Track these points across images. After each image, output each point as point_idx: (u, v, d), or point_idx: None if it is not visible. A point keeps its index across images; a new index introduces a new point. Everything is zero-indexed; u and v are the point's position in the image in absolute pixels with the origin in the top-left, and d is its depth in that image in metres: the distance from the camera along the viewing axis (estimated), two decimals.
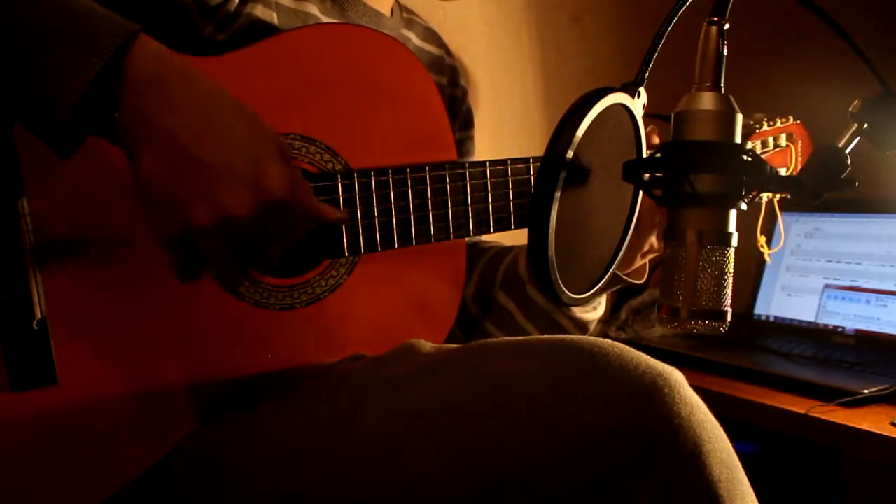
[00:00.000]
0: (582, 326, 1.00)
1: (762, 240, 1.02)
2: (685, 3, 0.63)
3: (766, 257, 1.02)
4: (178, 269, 0.65)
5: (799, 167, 1.09)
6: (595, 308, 1.01)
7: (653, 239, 0.94)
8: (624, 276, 0.95)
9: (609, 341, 0.66)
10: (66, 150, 0.61)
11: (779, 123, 1.06)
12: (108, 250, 0.72)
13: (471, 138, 1.13)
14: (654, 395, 0.61)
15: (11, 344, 0.69)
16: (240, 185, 0.62)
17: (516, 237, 0.98)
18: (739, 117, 0.60)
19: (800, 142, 1.08)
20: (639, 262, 0.97)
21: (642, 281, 0.98)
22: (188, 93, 0.62)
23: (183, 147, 0.61)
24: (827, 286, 1.57)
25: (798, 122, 1.08)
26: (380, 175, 0.81)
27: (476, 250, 1.08)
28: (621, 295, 1.69)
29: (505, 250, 1.05)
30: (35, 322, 0.69)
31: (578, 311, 0.99)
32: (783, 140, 1.07)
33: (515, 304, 1.00)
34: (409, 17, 1.05)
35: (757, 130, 1.03)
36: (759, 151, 1.04)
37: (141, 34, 0.61)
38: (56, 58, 0.58)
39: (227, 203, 0.61)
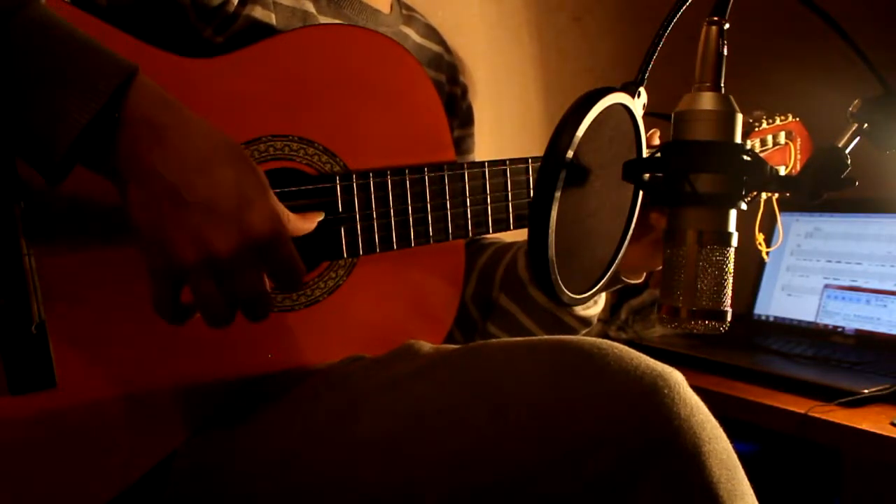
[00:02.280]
0: (584, 322, 1.00)
1: (760, 238, 1.02)
2: (685, 3, 0.63)
3: (764, 256, 1.02)
4: (162, 311, 0.65)
5: (798, 165, 1.09)
6: (596, 302, 1.01)
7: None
8: (623, 278, 0.95)
9: (609, 342, 0.65)
10: (55, 180, 0.62)
11: (777, 121, 1.06)
12: (106, 254, 0.72)
13: (471, 136, 1.13)
14: (654, 396, 0.61)
15: (10, 348, 0.68)
16: (224, 224, 0.62)
17: (516, 236, 0.98)
18: (739, 117, 0.60)
19: (799, 139, 1.08)
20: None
21: (640, 280, 0.98)
22: (180, 133, 0.63)
23: (169, 187, 0.61)
24: (827, 286, 1.57)
25: (797, 119, 1.08)
26: (378, 176, 0.81)
27: (474, 248, 1.07)
28: (621, 295, 1.69)
29: (504, 248, 1.05)
30: (34, 326, 0.69)
31: (580, 308, 0.99)
32: (782, 138, 1.06)
33: (517, 306, 1.00)
34: (408, 14, 1.04)
35: (756, 128, 1.03)
36: (757, 149, 1.03)
37: (138, 74, 0.62)
38: (54, 96, 0.59)
39: (213, 241, 0.62)
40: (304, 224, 0.76)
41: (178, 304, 0.65)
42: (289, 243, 0.66)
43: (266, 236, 0.64)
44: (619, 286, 0.96)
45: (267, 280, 0.67)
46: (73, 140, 0.59)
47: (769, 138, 1.05)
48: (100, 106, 0.59)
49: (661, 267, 0.93)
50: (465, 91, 1.11)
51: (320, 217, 0.78)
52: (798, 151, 1.08)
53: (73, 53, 0.60)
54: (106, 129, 0.61)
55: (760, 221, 0.98)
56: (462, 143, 1.11)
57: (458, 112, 1.09)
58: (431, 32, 1.07)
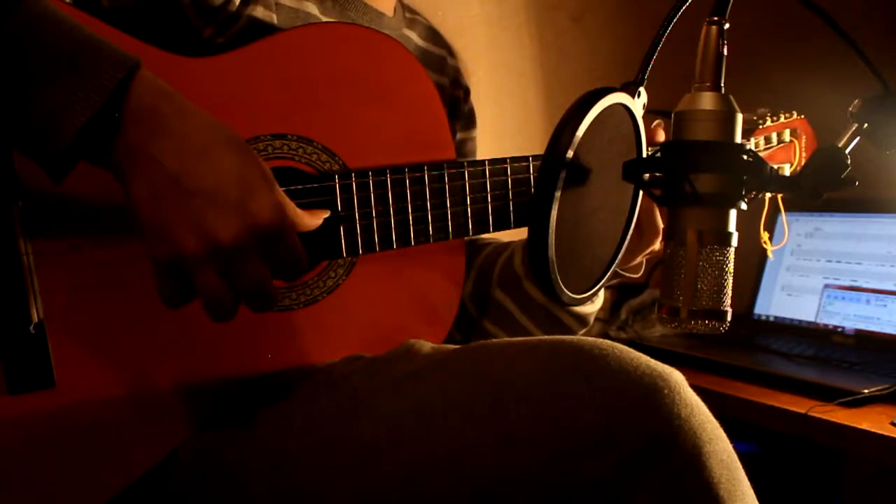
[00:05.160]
0: (581, 320, 0.99)
1: (765, 236, 1.01)
2: (685, 3, 0.63)
3: (769, 254, 1.02)
4: (165, 296, 0.65)
5: (803, 162, 1.09)
6: (593, 301, 1.00)
7: (655, 244, 0.93)
8: (621, 272, 0.95)
9: (609, 342, 0.65)
10: (58, 176, 0.62)
11: (782, 119, 1.05)
12: (105, 253, 0.72)
13: (473, 139, 1.13)
14: (654, 397, 0.61)
15: (9, 348, 0.68)
16: (228, 213, 0.62)
17: (516, 235, 0.97)
18: (739, 117, 0.60)
19: (804, 137, 1.08)
20: (638, 260, 0.97)
21: (639, 275, 0.98)
22: (182, 124, 0.63)
23: (171, 175, 0.61)
24: (827, 286, 1.57)
25: (802, 116, 1.08)
26: (377, 175, 0.81)
27: (473, 247, 1.07)
28: (621, 295, 1.69)
29: (502, 246, 1.05)
30: (32, 326, 0.69)
31: (577, 306, 0.98)
32: (786, 135, 1.06)
33: (513, 301, 0.99)
34: (411, 17, 1.04)
35: (760, 126, 1.03)
36: (762, 147, 1.03)
37: (141, 67, 0.62)
38: (57, 90, 0.59)
39: (215, 230, 0.61)
40: (312, 220, 0.75)
41: (183, 293, 0.64)
42: (292, 234, 0.66)
43: (269, 226, 0.63)
44: (616, 281, 0.95)
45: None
46: (76, 134, 0.59)
47: (773, 136, 1.05)
48: (103, 99, 0.59)
49: (649, 250, 0.93)
50: (467, 94, 1.11)
51: (326, 214, 0.77)
52: (803, 149, 1.08)
53: (76, 47, 0.60)
54: (109, 121, 0.60)
55: (765, 219, 0.98)
56: (464, 145, 1.11)
57: (461, 115, 1.09)
58: (435, 36, 1.07)
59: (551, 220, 0.61)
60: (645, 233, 0.90)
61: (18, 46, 0.59)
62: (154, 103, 0.62)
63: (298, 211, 0.71)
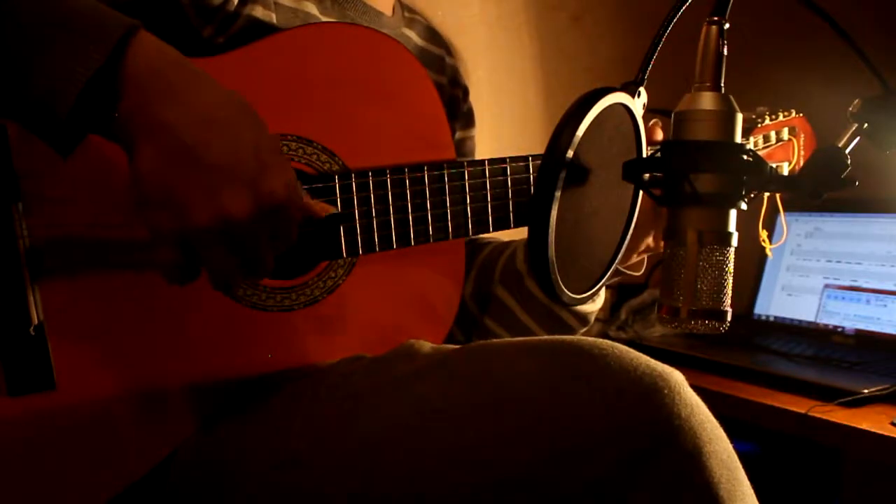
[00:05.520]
0: (582, 319, 1.00)
1: (764, 234, 1.01)
2: (685, 3, 0.63)
3: (768, 252, 1.02)
4: (166, 271, 0.63)
5: (801, 161, 1.09)
6: (594, 301, 1.00)
7: (649, 239, 0.94)
8: (623, 269, 0.95)
9: (609, 342, 0.65)
10: (65, 149, 0.60)
11: (781, 117, 1.06)
12: (104, 254, 0.72)
13: (472, 138, 1.13)
14: (654, 397, 0.61)
15: (9, 349, 0.68)
16: (241, 186, 0.61)
17: (516, 235, 0.98)
18: (739, 117, 0.60)
19: (802, 135, 1.08)
20: (636, 258, 0.97)
21: (640, 272, 0.98)
22: (190, 88, 0.61)
23: (184, 142, 0.59)
24: (827, 286, 1.57)
25: (801, 115, 1.08)
26: (377, 175, 0.81)
27: (473, 246, 1.07)
28: (621, 295, 1.69)
29: (503, 245, 1.05)
30: (32, 328, 0.69)
31: (577, 306, 0.98)
32: (785, 134, 1.07)
33: (514, 300, 1.00)
34: (410, 17, 1.05)
35: (759, 125, 1.03)
36: (761, 146, 1.04)
37: (142, 29, 0.61)
38: (55, 52, 0.58)
39: (228, 203, 0.60)
40: (318, 206, 0.73)
41: (186, 269, 0.63)
42: (299, 214, 0.65)
43: (281, 206, 0.62)
44: (617, 280, 0.96)
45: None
46: (77, 95, 0.57)
47: (772, 134, 1.05)
48: (104, 58, 0.58)
49: (643, 245, 0.94)
50: (466, 93, 1.11)
51: (332, 210, 0.76)
52: (802, 147, 1.08)
53: (71, 12, 0.59)
54: (111, 82, 0.59)
55: (763, 218, 0.98)
56: (463, 145, 1.11)
57: (460, 114, 1.09)
58: (433, 35, 1.07)
59: (551, 220, 0.61)
60: (638, 230, 0.91)
61: (14, 20, 0.58)
62: (159, 67, 0.60)
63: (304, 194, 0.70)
